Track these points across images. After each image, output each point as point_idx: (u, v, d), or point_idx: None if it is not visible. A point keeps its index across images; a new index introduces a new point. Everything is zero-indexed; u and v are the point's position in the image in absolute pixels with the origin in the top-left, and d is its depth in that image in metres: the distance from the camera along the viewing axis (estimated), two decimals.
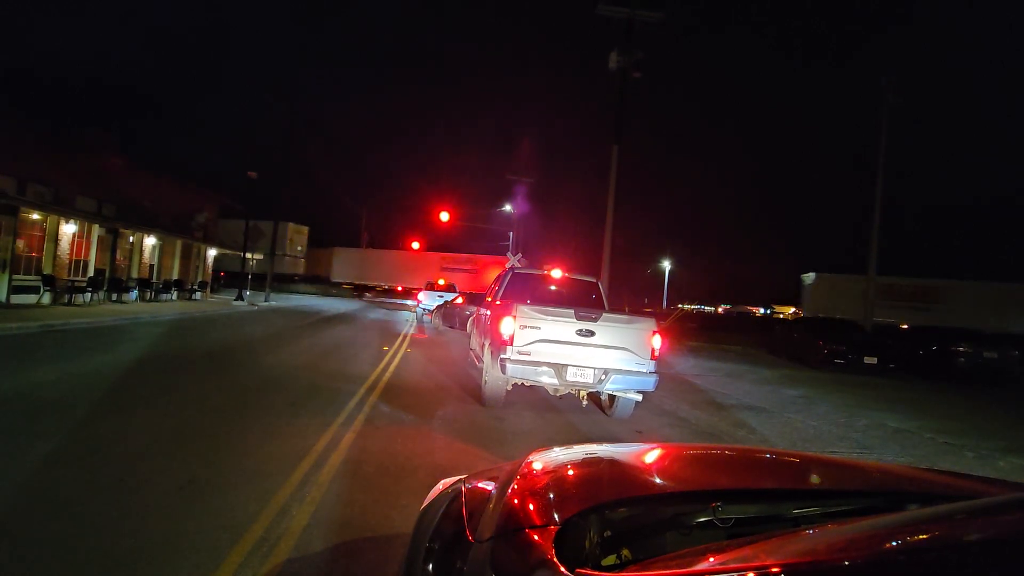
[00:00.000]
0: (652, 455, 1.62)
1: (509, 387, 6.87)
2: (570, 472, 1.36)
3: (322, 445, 4.64)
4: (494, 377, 6.58)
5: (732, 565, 0.74)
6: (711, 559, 0.77)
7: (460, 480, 1.36)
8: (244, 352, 10.30)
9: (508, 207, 30.99)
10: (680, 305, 34.48)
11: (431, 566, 1.03)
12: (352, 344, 12.71)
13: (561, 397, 7.39)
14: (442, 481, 1.46)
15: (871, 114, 19.10)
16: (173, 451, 4.22)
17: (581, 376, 6.20)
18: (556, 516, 0.96)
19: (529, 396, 7.76)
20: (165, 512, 3.15)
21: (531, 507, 1.07)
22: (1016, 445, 6.87)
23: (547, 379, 6.24)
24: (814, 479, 1.39)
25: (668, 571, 0.77)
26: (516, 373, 6.19)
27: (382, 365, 9.46)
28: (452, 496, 1.25)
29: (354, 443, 4.79)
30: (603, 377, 6.19)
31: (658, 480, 1.37)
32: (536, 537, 0.89)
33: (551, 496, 1.14)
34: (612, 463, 1.51)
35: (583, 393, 7.02)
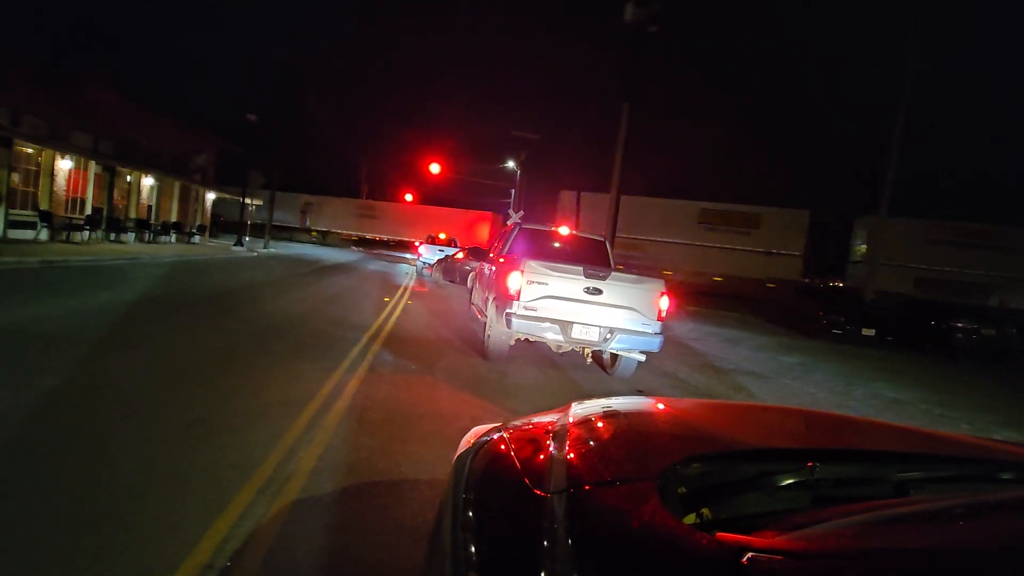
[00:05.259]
0: (724, 411, 1.55)
1: (512, 342, 6.86)
2: (640, 426, 1.30)
3: (327, 390, 4.64)
4: (498, 331, 6.56)
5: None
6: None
7: (495, 428, 1.30)
8: (246, 297, 10.26)
9: (511, 163, 30.41)
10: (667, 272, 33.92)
11: (473, 514, 0.98)
12: (353, 293, 12.67)
13: (563, 354, 7.39)
14: (474, 429, 1.40)
15: (893, 78, 18.61)
16: (179, 391, 4.21)
17: (587, 334, 6.18)
18: (646, 469, 0.89)
19: (530, 352, 7.77)
20: (173, 449, 3.15)
21: (610, 460, 1.01)
22: (1012, 419, 6.96)
23: (552, 335, 6.22)
24: (899, 442, 1.33)
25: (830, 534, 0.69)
26: (521, 328, 6.16)
27: (383, 315, 9.45)
28: (492, 445, 1.19)
29: (359, 390, 4.79)
30: (608, 336, 6.17)
31: (740, 437, 1.31)
32: (628, 491, 0.83)
33: (636, 449, 1.08)
34: (678, 418, 1.44)
35: (587, 351, 7.02)
